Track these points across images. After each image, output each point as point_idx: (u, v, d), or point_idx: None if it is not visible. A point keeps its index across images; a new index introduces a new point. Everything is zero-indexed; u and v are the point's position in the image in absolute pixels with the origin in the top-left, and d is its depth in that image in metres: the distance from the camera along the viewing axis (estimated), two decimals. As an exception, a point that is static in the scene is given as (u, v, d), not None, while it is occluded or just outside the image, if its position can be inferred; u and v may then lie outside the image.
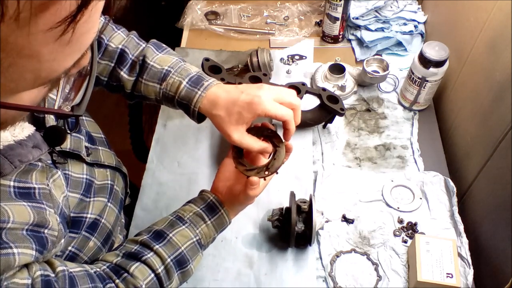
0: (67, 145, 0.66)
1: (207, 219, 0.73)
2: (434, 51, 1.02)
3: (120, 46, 0.78)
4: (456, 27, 1.09)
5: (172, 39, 1.48)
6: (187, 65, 0.78)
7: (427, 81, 1.05)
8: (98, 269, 0.66)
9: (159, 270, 0.67)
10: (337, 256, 0.91)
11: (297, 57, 1.27)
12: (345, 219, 0.96)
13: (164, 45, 0.82)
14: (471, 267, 0.88)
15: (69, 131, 0.65)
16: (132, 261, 0.67)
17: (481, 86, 0.96)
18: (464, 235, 0.92)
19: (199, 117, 0.75)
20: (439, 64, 1.02)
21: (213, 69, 1.01)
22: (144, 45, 0.80)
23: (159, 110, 1.17)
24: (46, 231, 0.55)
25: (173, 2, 1.78)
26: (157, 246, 0.69)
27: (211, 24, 1.36)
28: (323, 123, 1.10)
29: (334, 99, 1.04)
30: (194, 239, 0.71)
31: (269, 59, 1.17)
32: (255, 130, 0.71)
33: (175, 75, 0.76)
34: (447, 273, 0.82)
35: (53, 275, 0.56)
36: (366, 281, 0.88)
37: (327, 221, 0.95)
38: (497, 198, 0.89)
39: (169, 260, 0.68)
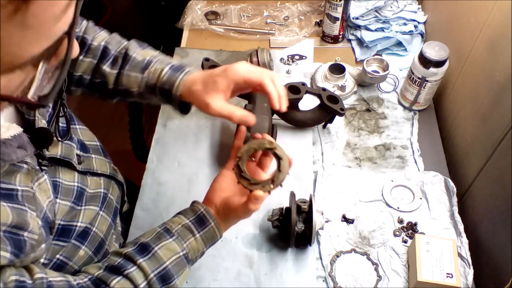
0: (57, 152, 0.64)
1: (196, 232, 0.69)
2: (434, 51, 1.02)
3: (102, 43, 0.79)
4: (456, 27, 1.09)
5: (172, 39, 1.48)
6: (169, 58, 0.79)
7: (427, 81, 1.05)
8: (80, 281, 0.63)
9: (141, 286, 0.64)
10: (337, 256, 0.91)
11: (297, 57, 1.27)
12: (345, 219, 0.96)
13: (145, 44, 0.83)
14: (471, 267, 0.88)
15: (60, 139, 0.64)
16: (114, 275, 0.65)
17: (481, 86, 0.96)
18: (464, 235, 0.92)
19: (182, 107, 0.74)
20: (439, 64, 1.02)
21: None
22: (126, 42, 0.81)
23: (159, 110, 1.17)
24: (25, 233, 0.53)
25: (173, 2, 1.78)
26: (140, 260, 0.65)
27: (211, 24, 1.36)
28: (323, 123, 1.10)
29: (334, 99, 1.05)
30: (181, 253, 0.68)
31: (269, 59, 1.17)
32: (256, 144, 0.70)
33: (157, 63, 0.76)
34: (447, 273, 0.82)
35: (29, 281, 0.53)
36: (366, 281, 0.88)
37: (327, 221, 0.95)
38: (497, 198, 0.89)
39: (152, 275, 0.65)
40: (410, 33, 1.28)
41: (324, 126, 1.11)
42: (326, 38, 1.31)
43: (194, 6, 1.39)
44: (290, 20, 1.37)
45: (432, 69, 1.03)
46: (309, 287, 0.88)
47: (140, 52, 0.78)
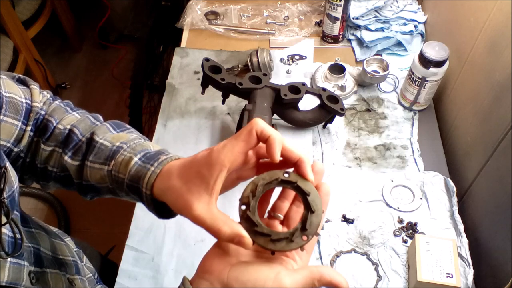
0: (3, 277, 0.50)
1: None
2: (434, 51, 1.02)
3: (68, 127, 0.62)
4: (456, 27, 1.09)
5: (172, 39, 1.48)
6: (147, 143, 0.60)
7: (427, 81, 1.05)
8: None
9: None
10: (337, 256, 0.91)
11: (297, 57, 1.27)
12: (345, 219, 0.96)
13: (127, 126, 0.65)
14: (471, 267, 0.88)
15: (6, 255, 0.50)
16: None
17: (481, 86, 0.96)
18: (464, 235, 0.92)
19: (158, 207, 0.55)
20: (439, 64, 1.02)
21: (213, 69, 1.01)
22: (99, 124, 0.63)
23: (159, 110, 1.17)
24: None
25: (173, 2, 1.78)
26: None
27: (211, 24, 1.36)
28: (323, 123, 1.10)
29: (334, 99, 1.05)
30: None
31: (269, 59, 1.17)
32: (266, 178, 0.49)
33: (127, 152, 0.57)
34: (447, 273, 0.82)
35: None
36: (366, 281, 0.88)
37: (327, 221, 0.95)
38: (497, 198, 0.89)
39: None
40: (410, 33, 1.28)
41: (324, 126, 1.11)
42: (326, 38, 1.31)
43: (194, 6, 1.39)
44: (290, 20, 1.37)
45: (432, 69, 1.03)
46: (309, 287, 0.88)
47: (110, 136, 0.60)
